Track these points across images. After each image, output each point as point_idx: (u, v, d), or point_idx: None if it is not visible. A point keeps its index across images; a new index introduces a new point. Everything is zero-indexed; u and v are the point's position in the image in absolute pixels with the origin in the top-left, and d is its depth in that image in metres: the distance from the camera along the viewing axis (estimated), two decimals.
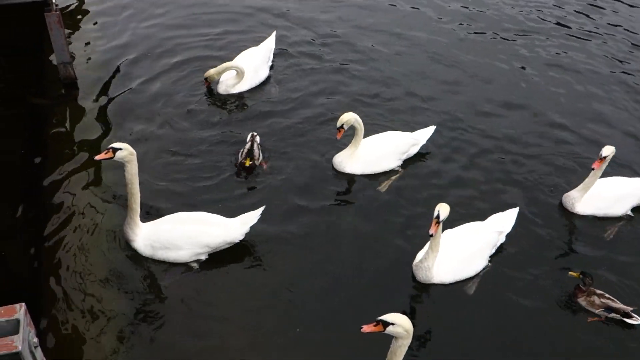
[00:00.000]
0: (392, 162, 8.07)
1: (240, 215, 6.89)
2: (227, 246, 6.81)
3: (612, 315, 6.31)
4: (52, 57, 9.41)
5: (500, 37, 11.22)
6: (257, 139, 8.08)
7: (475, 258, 6.74)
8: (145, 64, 9.91)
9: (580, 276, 6.40)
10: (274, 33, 10.20)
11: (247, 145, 7.95)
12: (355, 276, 6.73)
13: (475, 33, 11.29)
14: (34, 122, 8.77)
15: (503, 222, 7.06)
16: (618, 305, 6.31)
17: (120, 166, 6.54)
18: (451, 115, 9.20)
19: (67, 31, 9.68)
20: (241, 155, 7.92)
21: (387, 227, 7.32)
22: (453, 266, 6.59)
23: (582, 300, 6.39)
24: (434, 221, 6.12)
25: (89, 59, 9.99)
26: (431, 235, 6.16)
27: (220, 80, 9.29)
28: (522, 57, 10.69)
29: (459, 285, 6.66)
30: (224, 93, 9.30)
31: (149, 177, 7.67)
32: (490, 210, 7.35)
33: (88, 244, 6.88)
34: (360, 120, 7.67)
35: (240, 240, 6.83)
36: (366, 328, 4.89)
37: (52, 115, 8.88)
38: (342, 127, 7.58)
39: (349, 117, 7.59)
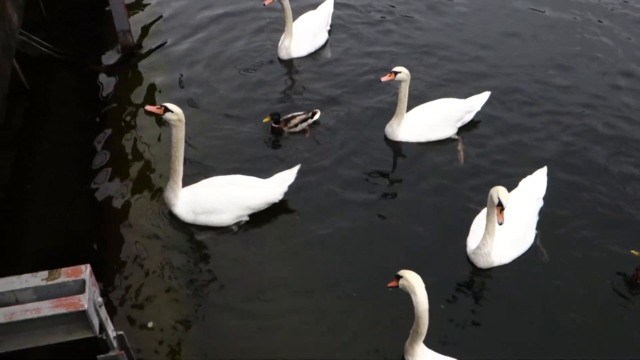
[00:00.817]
0: (447, 130, 7.92)
1: (276, 175, 6.94)
2: (267, 206, 6.87)
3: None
4: (112, 24, 9.58)
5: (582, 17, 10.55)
6: (317, 116, 8.04)
7: (528, 231, 6.52)
8: (202, 30, 9.97)
9: None
10: None
11: (297, 113, 8.00)
12: (409, 257, 6.46)
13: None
14: (94, 88, 8.97)
15: (537, 185, 6.80)
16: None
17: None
18: (507, 80, 8.97)
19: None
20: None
21: (443, 199, 7.17)
22: (510, 245, 6.37)
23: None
24: (497, 209, 5.83)
25: (148, 26, 10.10)
26: (501, 224, 5.83)
27: (280, 44, 9.27)
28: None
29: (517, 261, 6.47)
30: (286, 57, 9.31)
31: (200, 139, 7.82)
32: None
33: (145, 206, 7.06)
34: (408, 85, 7.47)
35: (280, 200, 6.89)
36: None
37: (111, 82, 9.06)
38: (395, 73, 7.36)
39: (405, 72, 7.39)
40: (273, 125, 7.85)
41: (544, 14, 10.45)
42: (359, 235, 6.75)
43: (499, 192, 5.82)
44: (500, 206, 5.79)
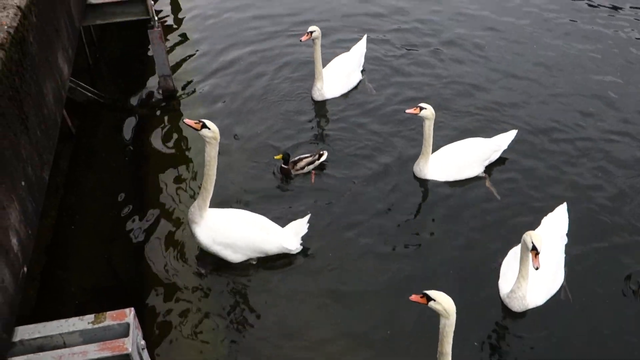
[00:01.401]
0: (475, 169, 8.03)
1: (290, 224, 7.04)
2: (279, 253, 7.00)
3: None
4: (153, 69, 10.01)
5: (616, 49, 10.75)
6: (323, 157, 8.22)
7: (558, 271, 6.53)
8: (239, 74, 10.32)
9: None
10: (365, 37, 10.37)
11: (304, 155, 8.19)
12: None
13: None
14: (136, 129, 9.34)
15: (560, 223, 6.86)
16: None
17: (221, 174, 6.89)
18: (533, 118, 9.11)
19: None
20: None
21: (473, 238, 7.23)
22: (543, 287, 6.38)
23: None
24: (532, 254, 5.83)
25: (186, 71, 10.52)
26: (537, 268, 5.80)
27: (313, 87, 9.51)
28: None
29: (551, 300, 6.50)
30: (319, 99, 9.54)
31: (225, 171, 8.08)
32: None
33: (183, 246, 7.26)
34: (432, 122, 7.61)
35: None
36: (413, 297, 5.20)
37: (153, 125, 9.42)
38: (420, 107, 7.54)
39: (430, 110, 7.55)
40: (282, 165, 8.03)
41: (572, 48, 10.58)
42: (387, 275, 6.83)
43: (532, 237, 5.83)
44: (535, 250, 5.81)
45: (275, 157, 8.10)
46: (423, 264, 6.95)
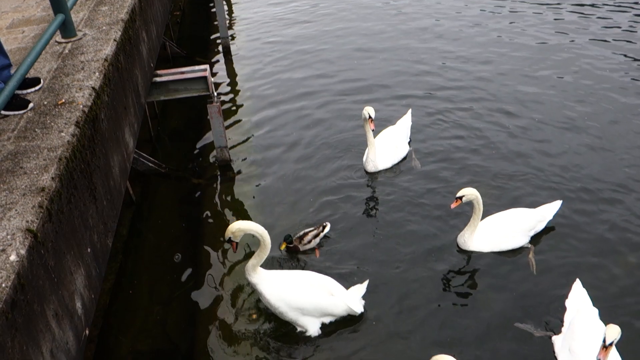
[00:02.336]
0: (519, 239, 8.04)
1: (353, 287, 7.21)
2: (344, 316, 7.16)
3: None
4: (210, 142, 10.52)
5: None
6: (327, 229, 8.36)
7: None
8: (293, 150, 10.71)
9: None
10: (410, 111, 10.68)
11: (308, 230, 8.30)
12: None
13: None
14: (193, 198, 9.76)
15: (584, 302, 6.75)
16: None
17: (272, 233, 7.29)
18: (578, 186, 9.11)
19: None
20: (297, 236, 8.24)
21: (517, 311, 7.15)
22: None
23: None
24: (601, 349, 5.49)
25: (241, 142, 11.01)
26: None
27: (365, 158, 9.81)
28: None
29: None
30: (373, 170, 9.80)
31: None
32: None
33: (240, 311, 7.44)
34: (480, 199, 7.76)
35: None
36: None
37: (209, 194, 9.83)
38: (460, 198, 7.73)
39: (470, 193, 7.73)
40: (288, 246, 8.11)
41: (613, 126, 10.57)
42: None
43: (609, 330, 5.48)
44: (605, 344, 5.47)
45: (281, 248, 8.15)
46: (471, 336, 6.92)
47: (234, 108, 12.24)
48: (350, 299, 7.08)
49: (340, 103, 12.09)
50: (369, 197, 9.39)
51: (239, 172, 10.23)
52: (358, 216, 8.95)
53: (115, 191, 6.27)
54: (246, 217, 9.10)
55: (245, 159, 10.55)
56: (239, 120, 11.80)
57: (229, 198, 9.67)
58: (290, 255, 8.22)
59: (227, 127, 11.21)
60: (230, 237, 6.80)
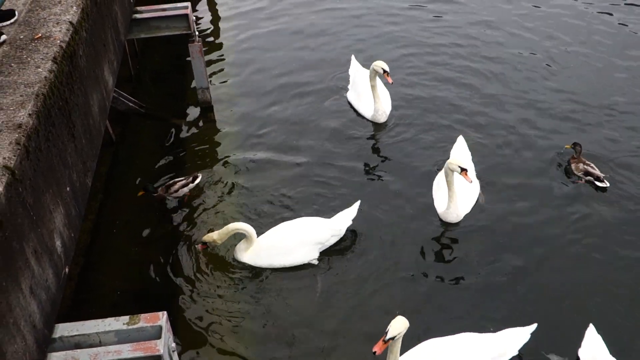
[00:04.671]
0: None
1: (338, 213, 7.64)
2: (335, 240, 7.51)
3: (589, 178, 8.22)
4: (192, 82, 10.35)
5: None
6: (197, 180, 8.33)
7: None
8: (276, 91, 10.56)
9: (572, 146, 8.44)
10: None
11: (178, 179, 8.25)
12: None
13: None
14: (173, 138, 9.66)
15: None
16: (595, 171, 8.20)
17: (255, 172, 8.10)
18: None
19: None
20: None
21: None
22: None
23: (573, 165, 8.37)
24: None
25: (223, 84, 10.84)
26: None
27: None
28: None
29: None
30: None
31: (267, 186, 8.49)
32: None
33: (219, 252, 7.52)
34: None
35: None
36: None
37: (189, 134, 9.74)
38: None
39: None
40: (153, 195, 8.09)
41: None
42: None
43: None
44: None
45: (139, 195, 8.10)
46: None
47: (216, 49, 11.98)
48: (331, 222, 7.49)
49: (330, 45, 11.83)
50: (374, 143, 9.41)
51: (220, 113, 10.11)
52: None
53: (95, 130, 6.17)
54: (226, 159, 9.06)
55: (226, 100, 10.41)
56: (222, 61, 11.58)
57: (209, 139, 9.59)
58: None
59: (209, 69, 11.01)
60: (207, 242, 7.26)
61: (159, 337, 4.75)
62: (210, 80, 10.55)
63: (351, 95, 10.17)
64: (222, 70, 11.31)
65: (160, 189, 8.20)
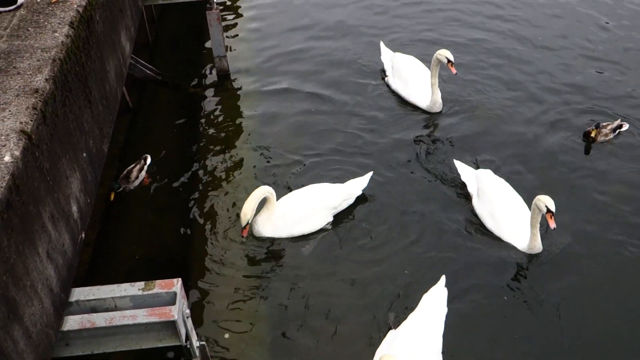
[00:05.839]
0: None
1: (356, 178, 7.78)
2: (347, 204, 7.62)
3: (613, 134, 8.54)
4: (209, 50, 10.28)
5: None
6: (148, 160, 8.19)
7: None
8: (296, 61, 10.46)
9: (596, 128, 8.47)
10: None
11: (130, 167, 8.04)
12: None
13: None
14: (190, 107, 9.65)
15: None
16: (612, 124, 8.55)
17: (265, 149, 7.96)
18: None
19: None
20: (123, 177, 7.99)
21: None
22: None
23: (598, 137, 8.48)
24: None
25: (241, 52, 10.75)
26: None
27: (433, 97, 9.11)
28: None
29: None
30: (437, 110, 9.20)
31: (285, 155, 8.50)
32: None
33: (232, 221, 7.53)
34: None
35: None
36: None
37: (206, 103, 9.71)
38: None
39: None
40: (118, 192, 7.84)
41: None
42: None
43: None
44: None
45: (111, 199, 7.82)
46: None
47: (234, 16, 11.86)
48: (344, 187, 7.59)
49: (354, 14, 11.65)
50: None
51: (237, 81, 10.05)
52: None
53: (111, 96, 6.16)
54: (244, 127, 9.04)
55: (244, 69, 10.33)
56: (240, 30, 11.47)
57: (226, 108, 9.55)
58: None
59: (227, 36, 10.91)
60: (246, 223, 6.98)
61: (173, 303, 4.80)
62: (229, 47, 10.46)
63: (396, 83, 9.61)
64: (240, 37, 11.21)
65: (120, 181, 7.98)
